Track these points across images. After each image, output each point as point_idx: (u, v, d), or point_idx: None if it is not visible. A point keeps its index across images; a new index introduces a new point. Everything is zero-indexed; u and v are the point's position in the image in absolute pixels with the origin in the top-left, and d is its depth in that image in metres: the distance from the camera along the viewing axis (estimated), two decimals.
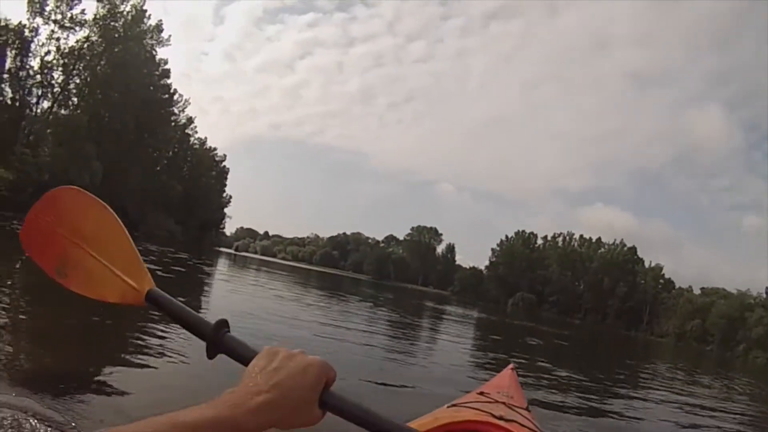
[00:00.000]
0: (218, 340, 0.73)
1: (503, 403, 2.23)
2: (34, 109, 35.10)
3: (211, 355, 0.74)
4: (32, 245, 0.87)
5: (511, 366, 3.49)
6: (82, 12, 36.25)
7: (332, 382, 0.68)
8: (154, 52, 43.67)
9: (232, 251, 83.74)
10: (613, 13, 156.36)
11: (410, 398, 5.66)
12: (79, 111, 36.82)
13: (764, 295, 69.32)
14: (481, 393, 2.49)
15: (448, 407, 2.13)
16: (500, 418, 1.86)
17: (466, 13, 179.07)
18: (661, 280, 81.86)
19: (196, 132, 60.88)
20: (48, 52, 34.49)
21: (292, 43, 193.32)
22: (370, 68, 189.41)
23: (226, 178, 71.38)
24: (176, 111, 54.07)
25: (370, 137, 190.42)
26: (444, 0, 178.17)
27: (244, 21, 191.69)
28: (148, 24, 41.93)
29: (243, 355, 0.71)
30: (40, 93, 35.01)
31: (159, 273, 13.52)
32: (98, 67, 37.85)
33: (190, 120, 58.21)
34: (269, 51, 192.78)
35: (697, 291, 78.12)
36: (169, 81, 48.07)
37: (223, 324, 0.74)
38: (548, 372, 10.21)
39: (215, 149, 67.99)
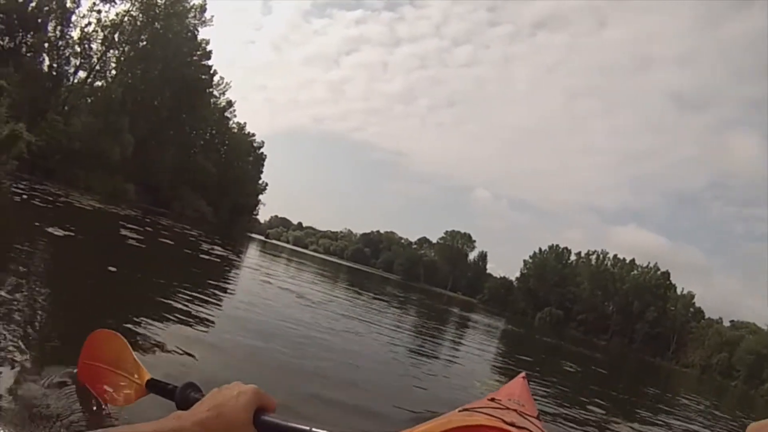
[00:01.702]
0: (185, 398, 1.03)
1: (514, 410, 2.23)
2: (71, 79, 35.65)
3: (179, 407, 1.01)
4: (86, 378, 1.30)
5: (522, 374, 3.55)
6: None
7: (270, 407, 0.85)
8: (195, 32, 43.94)
9: (263, 238, 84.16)
10: (658, 31, 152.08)
11: (425, 400, 5.46)
12: (114, 84, 37.17)
13: None
14: (493, 399, 2.49)
15: (459, 411, 2.14)
16: (511, 424, 1.87)
17: (514, 21, 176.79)
18: (692, 309, 78.30)
19: (235, 116, 61.25)
20: (88, 24, 35.07)
21: (339, 39, 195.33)
22: (414, 69, 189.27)
23: (262, 165, 71.40)
24: (216, 93, 54.57)
25: (410, 137, 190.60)
26: (493, 7, 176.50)
27: (293, 13, 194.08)
28: (191, 2, 42.29)
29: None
30: (77, 63, 35.55)
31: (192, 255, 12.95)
32: (138, 42, 38.25)
33: (230, 103, 58.60)
34: (316, 44, 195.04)
35: (726, 323, 74.88)
36: (209, 62, 48.24)
37: (190, 385, 1.05)
38: (572, 398, 9.43)
39: (253, 135, 68.21)
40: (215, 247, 19.62)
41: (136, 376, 1.17)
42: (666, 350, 74.58)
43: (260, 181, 72.49)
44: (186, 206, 48.19)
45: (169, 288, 7.97)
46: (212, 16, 44.61)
